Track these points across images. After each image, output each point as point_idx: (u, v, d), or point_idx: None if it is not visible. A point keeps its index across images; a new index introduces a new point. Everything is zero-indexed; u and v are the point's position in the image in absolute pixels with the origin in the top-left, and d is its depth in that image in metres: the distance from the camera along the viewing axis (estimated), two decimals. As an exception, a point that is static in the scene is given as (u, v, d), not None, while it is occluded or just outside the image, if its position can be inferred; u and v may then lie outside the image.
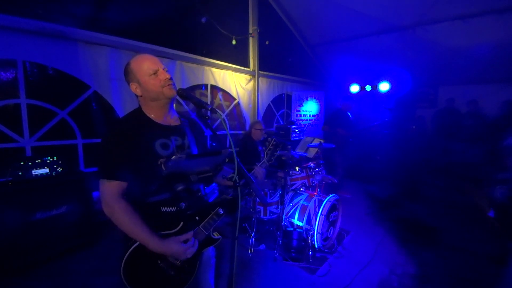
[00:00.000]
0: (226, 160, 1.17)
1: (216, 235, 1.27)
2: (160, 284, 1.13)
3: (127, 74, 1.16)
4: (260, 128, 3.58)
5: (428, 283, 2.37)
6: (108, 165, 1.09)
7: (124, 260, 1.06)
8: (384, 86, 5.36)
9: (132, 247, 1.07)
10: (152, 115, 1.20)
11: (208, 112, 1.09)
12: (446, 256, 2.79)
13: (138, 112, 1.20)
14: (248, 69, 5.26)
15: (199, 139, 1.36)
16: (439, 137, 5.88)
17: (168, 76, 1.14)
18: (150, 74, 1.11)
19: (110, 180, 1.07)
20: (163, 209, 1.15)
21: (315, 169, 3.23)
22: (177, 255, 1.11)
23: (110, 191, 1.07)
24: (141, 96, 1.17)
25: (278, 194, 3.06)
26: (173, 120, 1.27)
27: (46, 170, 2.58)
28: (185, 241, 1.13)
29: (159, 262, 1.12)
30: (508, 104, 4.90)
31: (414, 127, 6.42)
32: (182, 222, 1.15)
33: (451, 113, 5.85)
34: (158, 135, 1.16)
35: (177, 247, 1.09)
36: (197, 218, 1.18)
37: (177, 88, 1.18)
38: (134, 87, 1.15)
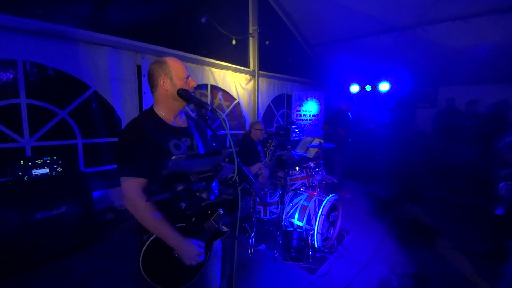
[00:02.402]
0: (226, 160, 1.19)
1: (224, 228, 1.33)
2: (174, 274, 1.19)
3: (161, 68, 1.20)
4: (260, 128, 3.58)
5: (428, 283, 2.37)
6: (132, 162, 1.12)
7: (142, 251, 1.11)
8: (384, 86, 5.36)
9: (151, 239, 1.13)
10: (163, 114, 1.25)
11: (208, 112, 1.12)
12: (446, 256, 2.79)
13: (151, 113, 1.25)
14: (248, 69, 5.26)
15: (205, 139, 1.44)
16: (440, 138, 5.87)
17: (195, 84, 1.28)
18: (183, 78, 1.22)
19: (134, 177, 1.11)
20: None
21: (315, 169, 3.22)
22: (188, 257, 1.15)
23: (135, 188, 1.11)
24: (166, 91, 1.21)
25: (278, 194, 3.06)
26: (181, 122, 1.34)
27: (46, 170, 2.58)
28: (199, 246, 1.20)
29: (174, 253, 1.18)
30: (500, 104, 4.93)
31: (413, 127, 6.42)
32: (195, 218, 1.21)
33: (452, 113, 5.83)
34: (171, 136, 1.23)
35: (193, 249, 1.15)
36: (209, 212, 1.24)
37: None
38: (162, 82, 1.20)
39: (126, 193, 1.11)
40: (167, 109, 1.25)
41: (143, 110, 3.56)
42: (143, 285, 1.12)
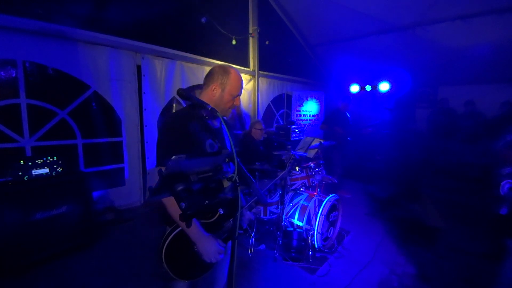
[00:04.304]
0: (226, 160, 1.19)
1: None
2: (190, 266, 1.25)
3: (221, 76, 1.27)
4: (260, 128, 3.59)
5: (428, 283, 2.37)
6: (172, 154, 1.13)
7: (167, 243, 1.17)
8: (384, 86, 5.36)
9: (174, 233, 1.19)
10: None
11: (208, 112, 1.12)
12: (445, 256, 2.79)
13: (194, 110, 1.30)
14: (248, 69, 5.26)
15: (233, 140, 1.45)
16: (436, 138, 5.87)
17: (239, 104, 1.36)
18: (233, 95, 1.30)
19: None
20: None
21: (315, 169, 3.22)
22: (208, 254, 1.19)
23: None
24: (212, 97, 1.29)
25: (278, 194, 3.06)
26: (215, 123, 1.40)
27: (46, 170, 2.57)
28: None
29: (195, 248, 1.23)
30: (507, 105, 4.90)
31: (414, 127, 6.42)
32: (218, 214, 1.25)
33: (446, 113, 5.82)
34: (208, 135, 1.29)
35: (214, 247, 1.19)
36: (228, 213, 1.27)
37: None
38: (214, 87, 1.28)
39: None
40: None
41: (140, 105, 3.58)
42: (162, 272, 1.18)
